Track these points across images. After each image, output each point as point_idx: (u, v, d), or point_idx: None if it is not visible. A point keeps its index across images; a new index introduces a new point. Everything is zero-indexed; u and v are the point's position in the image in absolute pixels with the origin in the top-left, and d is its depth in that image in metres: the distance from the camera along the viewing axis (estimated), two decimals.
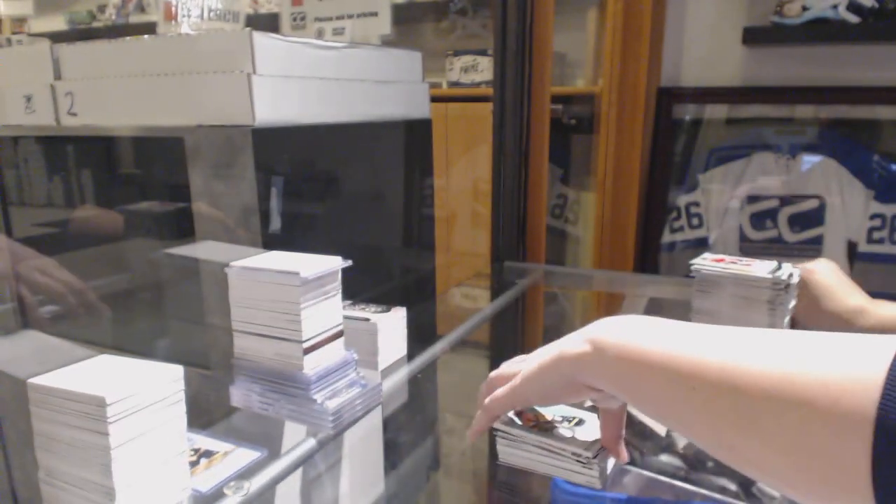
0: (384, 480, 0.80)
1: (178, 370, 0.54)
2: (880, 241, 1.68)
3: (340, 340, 0.72)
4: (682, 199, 1.90)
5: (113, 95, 0.96)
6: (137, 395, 0.51)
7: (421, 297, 1.29)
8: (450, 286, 1.53)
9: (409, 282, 1.26)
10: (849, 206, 1.72)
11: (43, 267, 1.01)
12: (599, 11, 2.10)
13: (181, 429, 0.55)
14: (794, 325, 0.89)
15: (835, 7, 1.61)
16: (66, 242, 1.17)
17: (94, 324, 1.09)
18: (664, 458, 0.80)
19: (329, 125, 1.00)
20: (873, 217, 1.69)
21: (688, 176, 1.90)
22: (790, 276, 0.86)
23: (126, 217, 1.05)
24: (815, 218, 1.75)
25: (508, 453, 0.73)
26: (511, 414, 0.75)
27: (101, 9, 3.33)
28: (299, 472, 0.67)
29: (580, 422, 0.74)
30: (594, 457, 0.67)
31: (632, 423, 0.81)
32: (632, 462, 0.77)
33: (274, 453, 0.66)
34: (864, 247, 1.70)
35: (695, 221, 1.89)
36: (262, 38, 0.86)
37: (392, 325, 0.88)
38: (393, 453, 0.84)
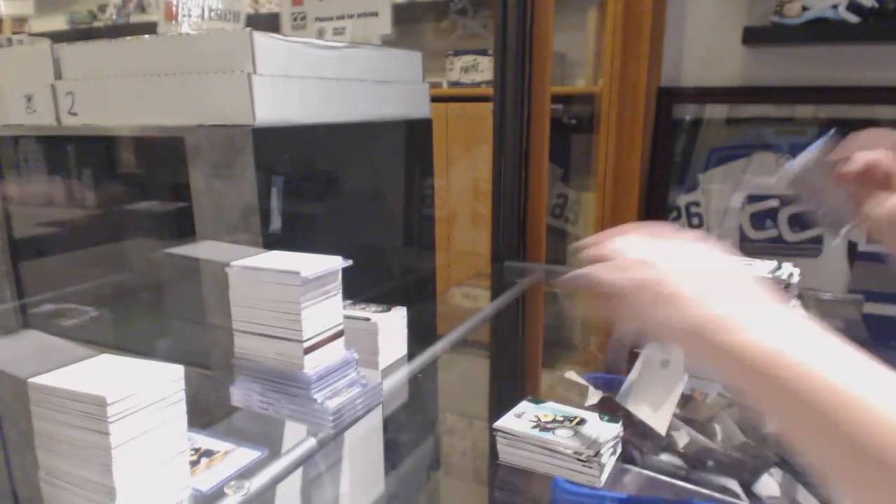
0: (384, 480, 0.80)
1: (178, 370, 0.54)
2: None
3: (341, 340, 0.72)
4: (683, 199, 1.90)
5: (113, 95, 0.96)
6: (138, 394, 0.51)
7: (421, 297, 1.29)
8: (450, 286, 1.53)
9: (410, 281, 1.27)
10: None
11: None
12: (599, 11, 2.10)
13: (182, 428, 0.55)
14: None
15: (835, 7, 1.60)
16: (66, 242, 1.17)
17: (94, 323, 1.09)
18: (664, 457, 0.80)
19: (329, 125, 1.00)
20: None
21: (688, 176, 1.90)
22: (790, 275, 0.86)
23: (126, 217, 1.05)
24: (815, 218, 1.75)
25: (509, 453, 0.73)
26: (511, 414, 0.75)
27: (102, 8, 3.33)
28: (299, 471, 0.67)
29: (581, 421, 0.74)
30: (594, 456, 0.67)
31: (632, 423, 0.81)
32: (632, 461, 0.77)
33: (274, 453, 0.66)
34: (863, 246, 1.70)
35: (695, 221, 1.89)
36: (262, 38, 0.86)
37: (392, 325, 0.88)
38: (393, 453, 0.84)
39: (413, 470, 0.82)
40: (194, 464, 0.61)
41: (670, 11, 1.87)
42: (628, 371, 1.03)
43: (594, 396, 0.93)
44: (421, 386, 0.92)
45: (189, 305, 0.96)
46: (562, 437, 0.70)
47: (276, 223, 0.89)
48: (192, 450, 0.64)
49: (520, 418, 0.75)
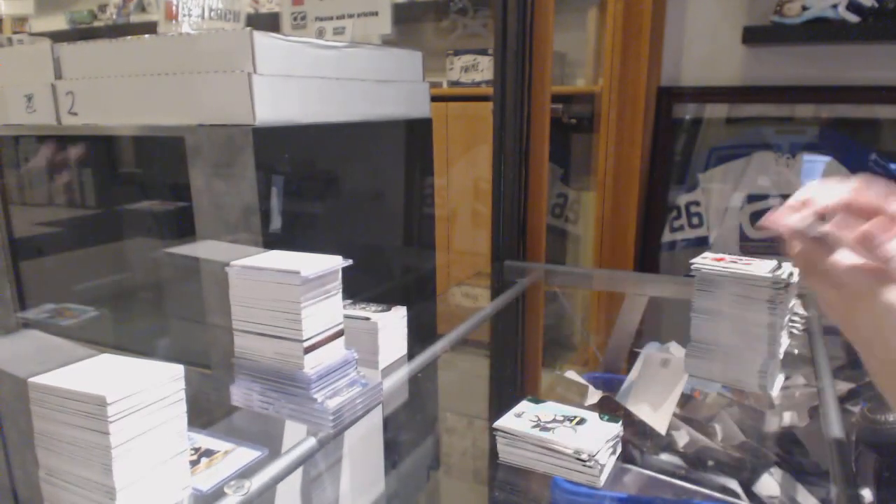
0: (384, 480, 0.80)
1: (178, 369, 0.54)
2: None
3: (341, 339, 0.72)
4: (683, 199, 1.90)
5: (114, 95, 0.96)
6: (138, 394, 0.51)
7: (421, 296, 1.29)
8: (450, 285, 1.53)
9: (410, 281, 1.27)
10: None
11: None
12: (599, 11, 2.10)
13: (182, 428, 0.55)
14: None
15: (835, 7, 1.60)
16: (66, 241, 1.17)
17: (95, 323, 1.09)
18: (664, 456, 0.80)
19: (329, 125, 1.00)
20: None
21: (688, 175, 1.91)
22: (790, 275, 0.86)
23: (126, 216, 1.06)
24: None
25: (508, 452, 0.73)
26: (511, 413, 0.75)
27: (102, 8, 3.33)
28: (300, 471, 0.67)
29: (581, 421, 0.74)
30: (594, 455, 0.67)
31: (632, 422, 0.81)
32: (632, 461, 0.77)
33: (274, 452, 0.66)
34: None
35: (695, 220, 1.89)
36: (262, 38, 0.86)
37: (392, 325, 0.88)
38: (393, 452, 0.84)
39: (413, 469, 0.82)
40: (194, 463, 0.62)
41: (670, 11, 1.87)
42: (628, 371, 1.03)
43: (594, 396, 0.93)
44: (421, 386, 0.92)
45: (189, 305, 0.96)
46: (561, 437, 0.70)
47: (276, 223, 0.89)
48: (192, 449, 0.64)
49: (520, 418, 0.75)
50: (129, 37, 0.94)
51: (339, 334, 0.72)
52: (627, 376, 1.01)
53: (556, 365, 1.54)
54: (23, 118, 1.06)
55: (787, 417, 0.95)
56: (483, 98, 1.95)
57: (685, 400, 0.95)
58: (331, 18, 1.23)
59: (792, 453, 0.88)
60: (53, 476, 0.54)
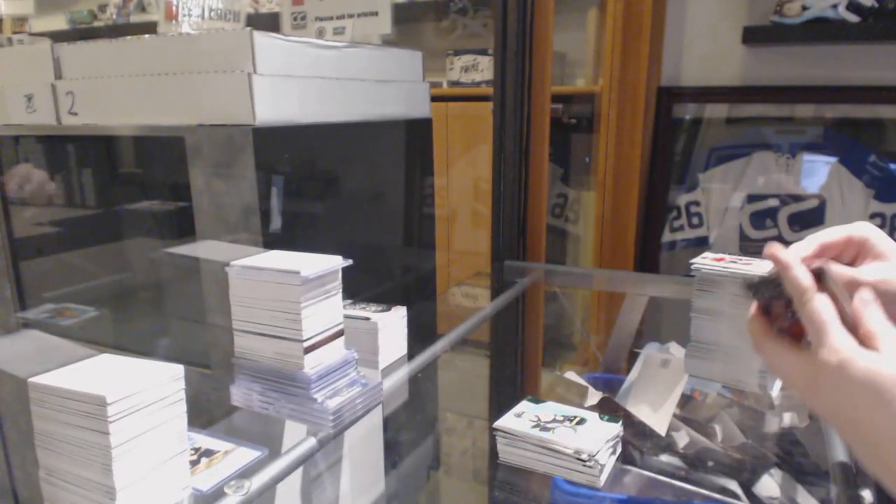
0: (384, 480, 0.80)
1: (178, 369, 0.54)
2: None
3: (341, 339, 0.72)
4: (683, 199, 1.89)
5: (114, 95, 0.96)
6: (138, 394, 0.51)
7: (421, 297, 1.29)
8: (450, 285, 1.53)
9: (410, 281, 1.27)
10: (849, 205, 1.72)
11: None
12: (599, 11, 2.10)
13: (182, 428, 0.55)
14: None
15: (835, 7, 1.60)
16: (66, 241, 1.17)
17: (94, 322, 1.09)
18: (664, 457, 0.80)
19: (329, 124, 1.00)
20: (873, 216, 1.69)
21: (688, 175, 1.90)
22: None
23: (127, 216, 1.06)
24: (815, 217, 1.75)
25: (508, 452, 0.73)
26: (511, 413, 0.75)
27: (102, 8, 3.33)
28: (300, 471, 0.67)
29: (581, 421, 0.74)
30: (594, 455, 0.67)
31: (632, 423, 0.81)
32: (632, 462, 0.77)
33: (274, 452, 0.66)
34: None
35: (695, 220, 1.89)
36: (262, 38, 0.86)
37: (392, 325, 0.88)
38: (393, 452, 0.84)
39: (413, 469, 0.82)
40: (194, 463, 0.62)
41: (670, 11, 1.87)
42: (628, 371, 1.03)
43: (594, 396, 0.93)
44: (421, 386, 0.92)
45: (189, 305, 0.96)
46: (561, 437, 0.70)
47: (276, 223, 0.89)
48: (192, 449, 0.64)
49: (520, 418, 0.75)
50: (129, 37, 0.94)
51: (339, 334, 0.72)
52: (627, 376, 1.01)
53: (556, 365, 1.54)
54: (23, 118, 1.06)
55: (787, 418, 0.95)
56: (483, 98, 1.95)
57: (685, 400, 0.94)
58: (331, 18, 1.23)
59: (792, 454, 0.88)
60: (53, 476, 0.54)
